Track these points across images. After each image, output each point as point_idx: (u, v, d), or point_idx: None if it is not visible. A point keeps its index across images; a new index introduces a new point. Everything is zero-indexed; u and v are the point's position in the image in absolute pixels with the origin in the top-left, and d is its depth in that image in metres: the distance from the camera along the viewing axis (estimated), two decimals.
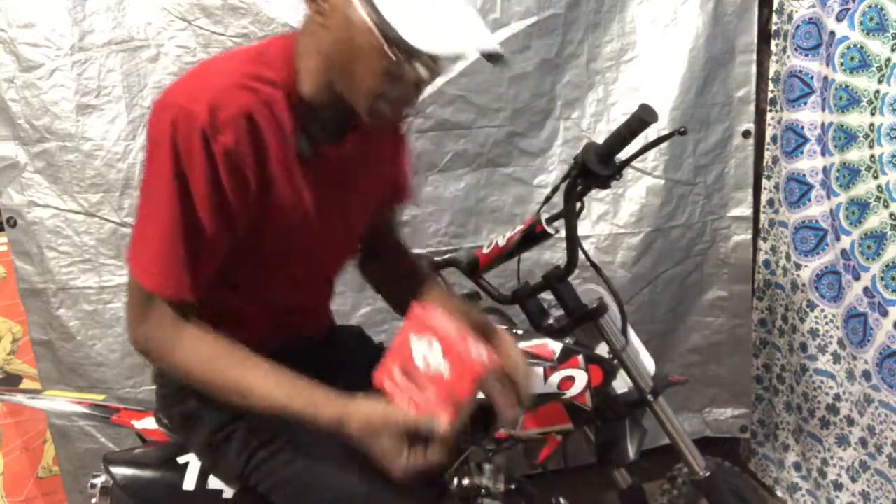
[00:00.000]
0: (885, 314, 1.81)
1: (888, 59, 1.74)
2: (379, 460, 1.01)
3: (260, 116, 1.02)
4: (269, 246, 1.12)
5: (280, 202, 1.09)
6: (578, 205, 1.40)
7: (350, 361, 1.45)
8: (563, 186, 1.35)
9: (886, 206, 1.79)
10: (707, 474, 1.54)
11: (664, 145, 2.11)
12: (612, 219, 2.18)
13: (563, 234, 1.37)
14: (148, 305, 1.05)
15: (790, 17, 2.04)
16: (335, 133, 1.14)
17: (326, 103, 1.08)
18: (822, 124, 1.96)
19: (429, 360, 0.94)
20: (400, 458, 1.00)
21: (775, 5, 2.13)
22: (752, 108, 2.20)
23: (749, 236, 2.29)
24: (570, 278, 1.44)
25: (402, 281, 1.35)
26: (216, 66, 1.06)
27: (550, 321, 1.46)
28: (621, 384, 1.52)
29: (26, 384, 2.05)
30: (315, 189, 1.13)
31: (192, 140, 0.97)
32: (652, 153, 2.12)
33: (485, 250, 1.47)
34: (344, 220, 1.22)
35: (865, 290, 1.87)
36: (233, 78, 1.02)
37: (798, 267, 2.11)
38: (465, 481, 1.49)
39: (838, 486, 2.10)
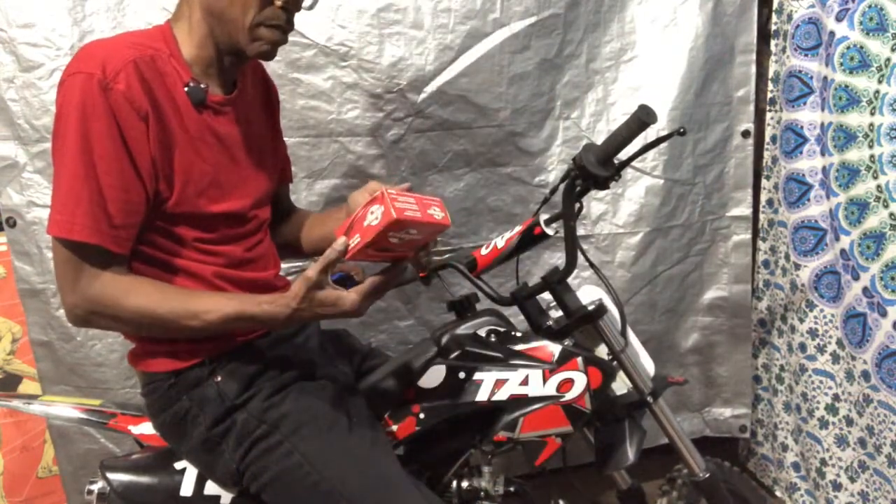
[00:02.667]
0: (884, 314, 1.81)
1: (888, 59, 1.74)
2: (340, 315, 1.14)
3: (145, 66, 1.13)
4: (191, 189, 1.20)
5: (184, 149, 1.18)
6: (577, 206, 1.40)
7: (334, 362, 1.46)
8: (561, 187, 1.35)
9: (886, 206, 1.79)
10: (706, 475, 1.54)
11: (663, 145, 2.11)
12: (611, 219, 2.18)
13: (562, 234, 1.37)
14: (77, 267, 1.12)
15: (790, 17, 2.04)
16: (225, 86, 1.28)
17: (211, 59, 1.23)
18: (822, 124, 1.96)
19: (370, 218, 1.14)
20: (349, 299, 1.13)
21: (775, 5, 2.13)
22: (751, 108, 2.21)
23: (749, 236, 2.29)
24: (569, 279, 1.44)
25: (308, 221, 1.53)
26: (101, 40, 1.19)
27: (549, 323, 1.46)
28: (620, 385, 1.52)
29: (26, 384, 2.05)
30: (220, 134, 1.25)
31: (93, 96, 1.08)
32: (651, 153, 2.12)
33: (483, 252, 1.47)
34: (255, 155, 1.34)
35: (865, 290, 1.87)
36: (117, 42, 1.17)
37: (797, 267, 2.11)
38: (465, 484, 1.50)
39: (837, 486, 2.11)
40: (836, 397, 2.07)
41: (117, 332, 1.30)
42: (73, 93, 1.09)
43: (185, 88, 1.19)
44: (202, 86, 1.21)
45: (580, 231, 2.09)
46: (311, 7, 1.24)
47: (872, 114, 1.79)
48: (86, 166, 1.09)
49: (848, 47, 1.83)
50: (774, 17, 2.14)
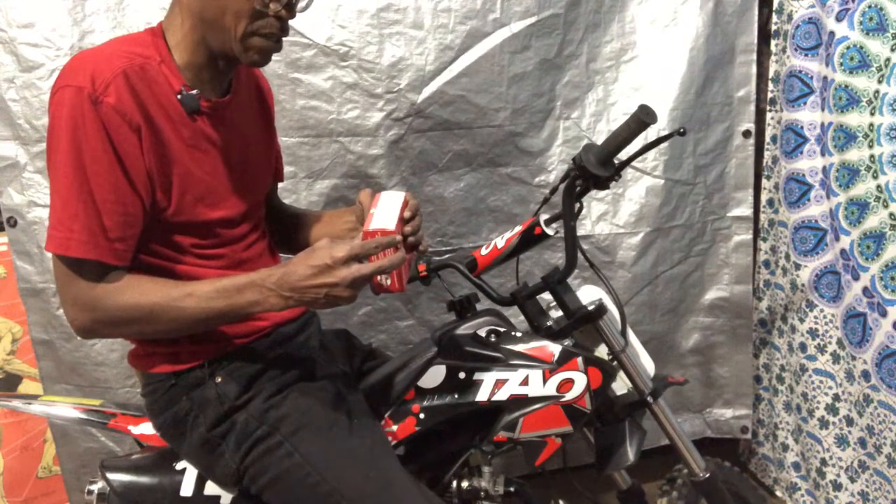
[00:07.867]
0: (884, 314, 1.81)
1: (888, 59, 1.74)
2: (327, 299, 1.10)
3: (135, 77, 1.12)
4: (189, 198, 1.19)
5: (180, 158, 1.18)
6: (577, 206, 1.40)
7: (334, 362, 1.46)
8: (561, 187, 1.35)
9: (886, 206, 1.79)
10: (707, 475, 1.54)
11: (664, 145, 2.11)
12: (611, 219, 2.18)
13: (562, 234, 1.37)
14: (77, 281, 1.11)
15: (790, 17, 2.04)
16: (219, 89, 1.26)
17: (204, 64, 1.21)
18: (822, 124, 1.96)
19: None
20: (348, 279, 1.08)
21: (775, 5, 2.13)
22: (752, 108, 2.20)
23: (749, 236, 2.29)
24: (569, 279, 1.44)
25: (302, 219, 1.53)
26: (91, 50, 1.17)
27: (549, 323, 1.46)
28: (620, 385, 1.52)
29: (26, 384, 2.05)
30: (215, 139, 1.24)
31: (83, 109, 1.07)
32: (652, 153, 2.12)
33: (483, 252, 1.47)
34: (251, 158, 1.34)
35: (865, 290, 1.86)
36: (106, 51, 1.15)
37: (797, 267, 2.11)
38: (465, 484, 1.50)
39: (837, 486, 2.10)
40: (836, 397, 2.07)
41: (124, 338, 1.29)
42: (62, 107, 1.08)
43: (178, 96, 1.17)
44: (194, 92, 1.19)
45: (580, 231, 2.09)
46: (304, 9, 1.22)
47: (872, 114, 1.79)
48: (80, 182, 1.08)
49: (848, 47, 1.83)
50: (774, 17, 2.14)
